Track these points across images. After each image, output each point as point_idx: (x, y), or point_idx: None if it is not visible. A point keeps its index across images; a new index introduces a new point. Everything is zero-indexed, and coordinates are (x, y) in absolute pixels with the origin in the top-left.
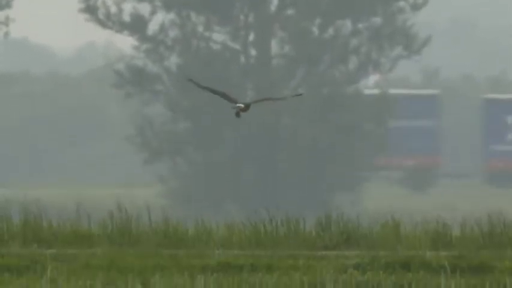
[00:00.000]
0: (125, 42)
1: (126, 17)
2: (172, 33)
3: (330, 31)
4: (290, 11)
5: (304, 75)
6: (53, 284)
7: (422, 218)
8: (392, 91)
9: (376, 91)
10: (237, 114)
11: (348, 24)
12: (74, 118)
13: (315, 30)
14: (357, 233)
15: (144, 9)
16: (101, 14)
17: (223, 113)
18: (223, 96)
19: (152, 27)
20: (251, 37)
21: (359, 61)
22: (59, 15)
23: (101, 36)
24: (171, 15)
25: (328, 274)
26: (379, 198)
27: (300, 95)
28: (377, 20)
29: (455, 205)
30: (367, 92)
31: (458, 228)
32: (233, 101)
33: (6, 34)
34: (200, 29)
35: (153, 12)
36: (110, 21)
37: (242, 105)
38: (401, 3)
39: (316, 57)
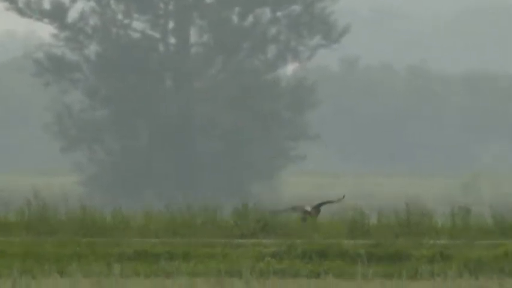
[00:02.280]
0: (45, 31)
1: (46, 5)
2: (92, 21)
3: (249, 19)
4: (210, 0)
5: (223, 64)
6: None
7: (339, 205)
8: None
9: (294, 79)
10: (304, 220)
11: (267, 13)
12: None
13: (234, 18)
14: (274, 222)
15: None
16: (20, 3)
17: (141, 102)
18: (294, 209)
19: (72, 15)
20: (170, 25)
21: (278, 49)
22: None
23: (21, 24)
24: (91, 3)
25: (245, 262)
26: (296, 187)
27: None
28: (296, 8)
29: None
30: (285, 80)
31: (375, 217)
32: (301, 209)
33: None
34: (120, 17)
35: (73, 0)
36: (30, 10)
37: (309, 209)
38: None
39: (235, 45)
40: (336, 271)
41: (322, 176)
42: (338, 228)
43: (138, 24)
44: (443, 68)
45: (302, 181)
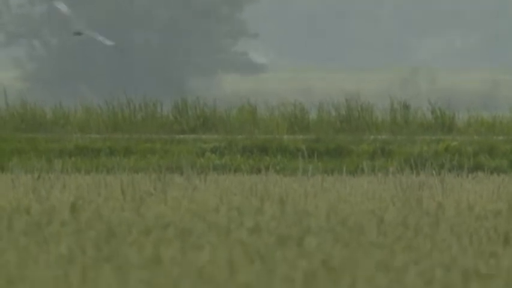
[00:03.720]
0: None
1: None
2: None
3: None
4: None
5: None
6: None
7: (279, 101)
8: None
9: None
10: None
11: None
12: None
13: None
14: (214, 117)
15: None
16: None
17: None
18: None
19: None
20: None
21: None
22: None
23: None
24: None
25: (185, 158)
26: (236, 83)
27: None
28: None
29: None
30: None
31: (315, 112)
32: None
33: None
34: None
35: None
36: None
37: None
38: None
39: None
40: (277, 166)
41: (260, 72)
42: (278, 123)
43: None
44: None
45: (241, 77)
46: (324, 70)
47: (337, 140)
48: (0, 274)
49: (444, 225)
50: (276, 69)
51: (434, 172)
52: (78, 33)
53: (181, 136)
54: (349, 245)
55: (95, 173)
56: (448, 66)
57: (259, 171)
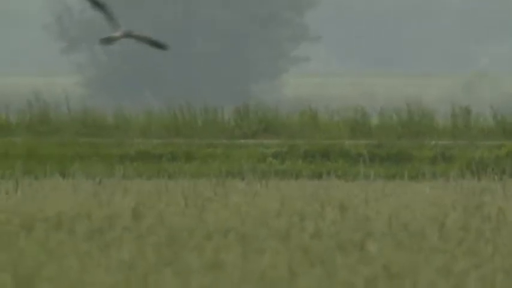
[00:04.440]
0: None
1: None
2: None
3: None
4: None
5: None
6: None
7: (341, 105)
8: None
9: None
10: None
11: None
12: None
13: None
14: (275, 122)
15: None
16: None
17: (141, 3)
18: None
19: None
20: None
21: None
22: None
23: None
24: None
25: (246, 163)
26: (298, 87)
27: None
28: None
29: (373, 93)
30: None
31: (377, 117)
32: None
33: None
34: None
35: None
36: None
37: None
38: None
39: None
40: (338, 171)
41: (322, 76)
42: (340, 128)
43: None
44: None
45: (303, 82)
46: (386, 75)
47: (398, 145)
48: (62, 279)
49: (505, 230)
50: (338, 74)
51: (495, 177)
52: (107, 41)
53: (243, 141)
54: (411, 250)
55: (156, 178)
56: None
57: (320, 176)
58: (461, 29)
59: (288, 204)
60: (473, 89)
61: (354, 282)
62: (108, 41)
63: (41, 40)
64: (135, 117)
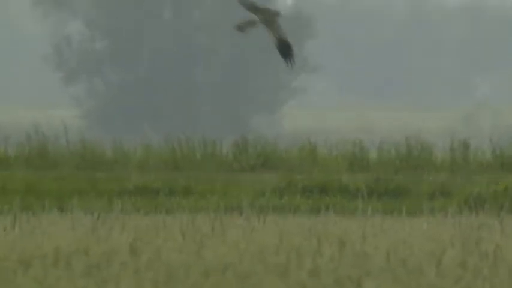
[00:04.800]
0: None
1: None
2: None
3: None
4: None
5: None
6: None
7: (339, 139)
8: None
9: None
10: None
11: None
12: None
13: None
14: (274, 156)
15: None
16: None
17: (140, 33)
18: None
19: None
20: None
21: None
22: None
23: None
24: None
25: (245, 198)
26: (297, 120)
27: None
28: None
29: (372, 126)
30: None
31: (375, 151)
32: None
33: None
34: None
35: None
36: None
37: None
38: None
39: None
40: (337, 206)
41: (321, 109)
42: (338, 162)
43: None
44: None
45: (302, 114)
46: (385, 108)
47: (396, 180)
48: None
49: (503, 268)
50: (337, 106)
51: (493, 213)
52: (240, 29)
53: (241, 175)
54: (409, 286)
55: (154, 213)
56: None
57: (318, 211)
58: (461, 60)
59: (286, 239)
60: (473, 121)
61: None
62: (243, 27)
63: (40, 71)
64: (133, 151)
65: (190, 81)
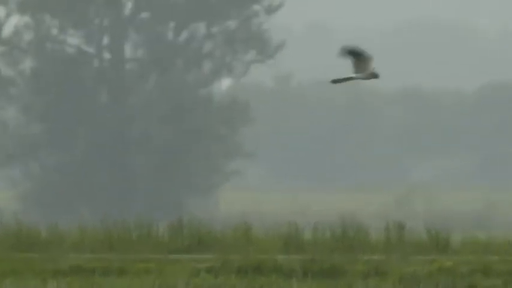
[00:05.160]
0: None
1: None
2: (27, 36)
3: (184, 35)
4: (144, 14)
5: (158, 79)
6: None
7: (275, 221)
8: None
9: (228, 95)
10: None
11: (202, 28)
12: None
13: (170, 34)
14: (209, 237)
15: None
16: None
17: (76, 117)
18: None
19: (6, 30)
20: (105, 40)
21: (213, 65)
22: None
23: None
24: (26, 18)
25: (180, 278)
26: (232, 203)
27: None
28: (231, 24)
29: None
30: (219, 96)
31: (310, 232)
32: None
33: None
34: (55, 32)
35: (8, 15)
36: None
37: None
38: (256, 7)
39: (170, 61)
40: (272, 286)
41: (257, 192)
42: (273, 243)
43: (73, 40)
44: (377, 83)
45: (238, 197)
46: (320, 190)
47: (331, 260)
48: None
49: None
50: (272, 189)
51: None
52: (336, 82)
53: (176, 256)
54: None
55: None
56: (445, 186)
57: None
58: (394, 143)
59: None
60: (407, 204)
61: None
62: (339, 81)
63: None
64: (68, 231)
65: (126, 164)
